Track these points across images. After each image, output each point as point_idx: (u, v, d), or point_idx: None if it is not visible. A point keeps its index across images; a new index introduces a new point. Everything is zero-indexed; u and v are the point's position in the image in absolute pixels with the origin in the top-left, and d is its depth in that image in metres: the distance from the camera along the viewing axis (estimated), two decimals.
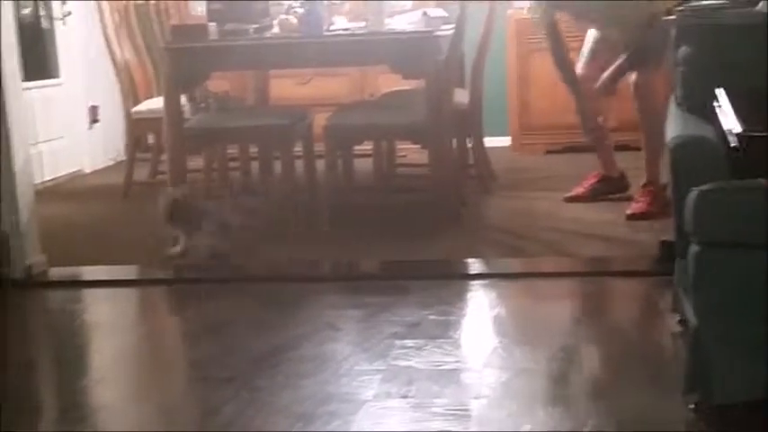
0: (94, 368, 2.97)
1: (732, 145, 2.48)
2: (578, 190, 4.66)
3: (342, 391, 2.52)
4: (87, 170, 6.23)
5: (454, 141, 4.75)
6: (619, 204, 4.39)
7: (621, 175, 4.66)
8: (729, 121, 2.55)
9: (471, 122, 4.94)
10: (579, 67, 4.58)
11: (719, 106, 2.66)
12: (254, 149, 5.33)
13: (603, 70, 4.44)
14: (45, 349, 3.21)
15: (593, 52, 4.54)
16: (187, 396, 2.69)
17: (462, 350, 2.85)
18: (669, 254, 2.84)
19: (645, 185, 4.35)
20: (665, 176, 4.26)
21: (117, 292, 3.66)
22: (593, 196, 4.60)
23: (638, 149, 4.54)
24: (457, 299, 3.35)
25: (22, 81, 3.80)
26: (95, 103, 6.32)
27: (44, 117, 5.75)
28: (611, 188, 4.63)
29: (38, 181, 5.32)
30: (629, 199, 4.42)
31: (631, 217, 4.26)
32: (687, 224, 2.31)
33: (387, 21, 4.53)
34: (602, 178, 4.66)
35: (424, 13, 4.64)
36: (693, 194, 2.29)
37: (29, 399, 2.69)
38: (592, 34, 4.57)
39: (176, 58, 4.29)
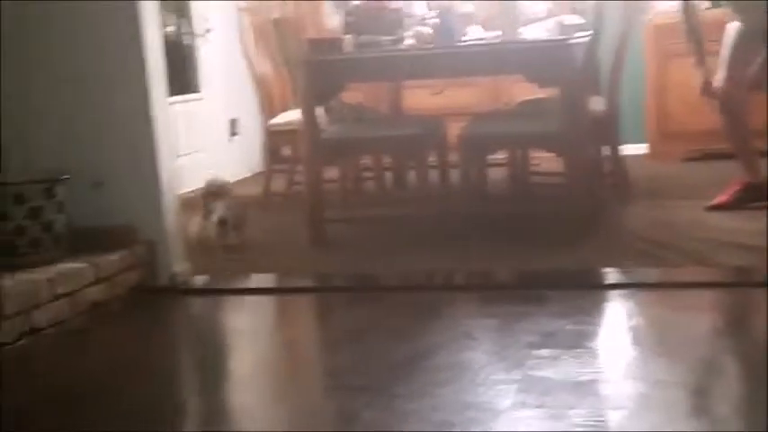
0: (234, 374, 3.06)
1: None
2: (721, 198, 4.53)
3: (478, 400, 2.52)
4: (228, 181, 6.40)
5: (590, 149, 4.70)
6: (762, 213, 4.25)
7: (767, 182, 4.52)
8: None
9: (608, 130, 4.87)
10: (721, 71, 4.47)
11: None
12: (388, 160, 5.41)
13: (746, 71, 4.34)
14: (188, 354, 3.33)
15: (734, 51, 4.42)
16: (325, 402, 2.74)
17: (599, 361, 2.81)
18: None
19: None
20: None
21: (257, 300, 3.76)
22: (737, 204, 4.47)
23: None
24: (594, 309, 3.31)
25: (168, 96, 3.94)
26: (235, 117, 6.51)
27: (186, 130, 5.96)
28: (755, 196, 4.49)
29: (180, 192, 5.52)
30: None
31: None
32: None
33: (521, 29, 4.52)
34: (746, 186, 4.53)
35: (559, 21, 4.61)
36: None
37: (173, 402, 2.79)
38: (729, 35, 4.45)
39: (312, 71, 4.38)
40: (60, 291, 3.40)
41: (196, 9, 6.28)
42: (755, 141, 4.61)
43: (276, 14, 5.50)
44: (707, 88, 4.52)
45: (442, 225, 4.45)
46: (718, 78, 4.50)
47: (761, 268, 3.57)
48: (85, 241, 3.69)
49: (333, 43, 4.60)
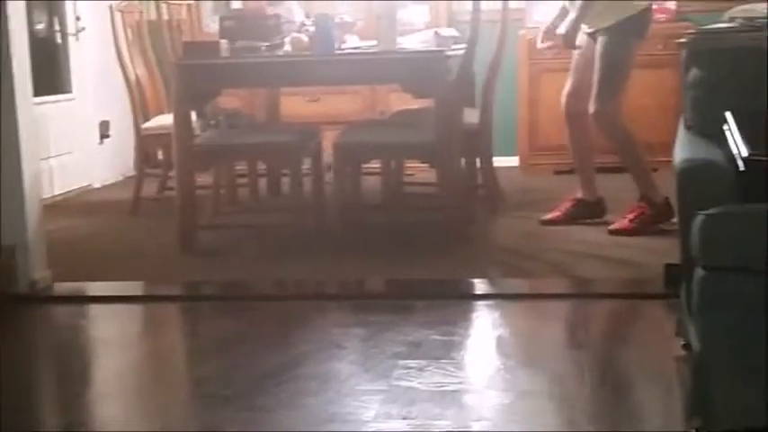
0: (97, 384, 2.96)
1: (740, 169, 2.46)
2: (555, 213, 4.61)
3: (343, 411, 2.51)
4: (97, 185, 6.25)
5: (463, 161, 4.75)
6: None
7: (599, 200, 4.59)
8: (737, 144, 2.54)
9: (481, 142, 4.93)
10: (566, 84, 4.53)
11: (728, 130, 2.65)
12: (262, 166, 5.36)
13: (588, 84, 4.34)
14: (48, 365, 3.21)
15: (577, 62, 4.50)
16: (189, 413, 2.68)
17: (465, 371, 2.83)
18: (674, 277, 2.82)
19: (638, 201, 4.36)
20: (659, 196, 4.27)
21: (123, 308, 3.66)
22: (569, 220, 4.54)
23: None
24: (461, 319, 3.34)
25: (35, 96, 3.80)
26: (106, 119, 6.35)
27: (56, 132, 5.78)
28: (587, 212, 4.57)
29: (48, 195, 5.36)
30: (606, 224, 4.41)
31: (612, 232, 4.31)
32: (693, 248, 2.29)
33: (398, 40, 4.53)
34: (578, 202, 4.60)
35: (436, 33, 4.65)
36: (700, 218, 2.27)
37: (31, 414, 2.69)
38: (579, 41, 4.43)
39: (187, 75, 4.30)
40: None
41: (69, 7, 6.10)
42: (593, 160, 4.59)
43: (152, 16, 5.39)
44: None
45: (315, 233, 4.43)
46: (563, 91, 4.53)
47: (622, 280, 3.67)
48: None
49: (209, 47, 4.52)
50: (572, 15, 4.36)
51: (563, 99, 4.51)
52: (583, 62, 4.44)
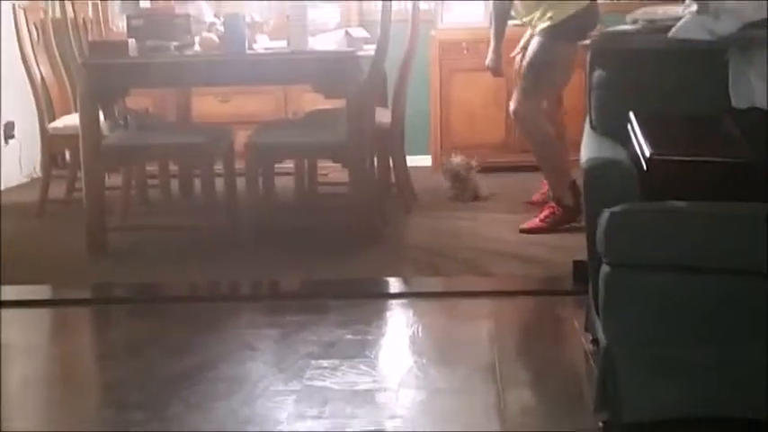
0: (3, 392, 2.90)
1: (643, 168, 2.53)
2: (534, 222, 4.44)
3: (256, 413, 2.51)
4: (1, 187, 6.10)
5: (376, 161, 4.77)
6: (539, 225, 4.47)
7: (577, 203, 4.29)
8: (641, 144, 2.61)
9: (393, 142, 4.96)
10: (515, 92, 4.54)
11: (632, 130, 2.72)
12: (174, 167, 5.30)
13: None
14: None
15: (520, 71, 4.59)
16: (99, 420, 2.64)
17: (378, 370, 2.85)
18: (582, 274, 2.88)
19: (548, 202, 4.46)
20: (569, 198, 4.35)
21: (31, 313, 3.59)
22: (551, 228, 4.38)
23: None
24: (375, 318, 3.36)
25: None
26: (11, 119, 6.20)
27: None
28: (566, 218, 4.40)
29: None
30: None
31: (523, 231, 4.38)
32: (598, 245, 2.35)
33: (310, 40, 4.53)
34: (555, 209, 4.43)
35: (347, 33, 4.66)
36: (604, 216, 2.33)
37: None
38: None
39: (94, 75, 4.24)
40: None
41: None
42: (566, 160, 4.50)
43: (57, 14, 5.29)
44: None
45: (228, 234, 4.39)
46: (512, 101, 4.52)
47: (532, 277, 3.74)
48: None
49: (116, 46, 4.45)
50: (492, 43, 4.52)
51: (511, 105, 4.47)
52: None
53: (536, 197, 4.85)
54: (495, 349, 2.98)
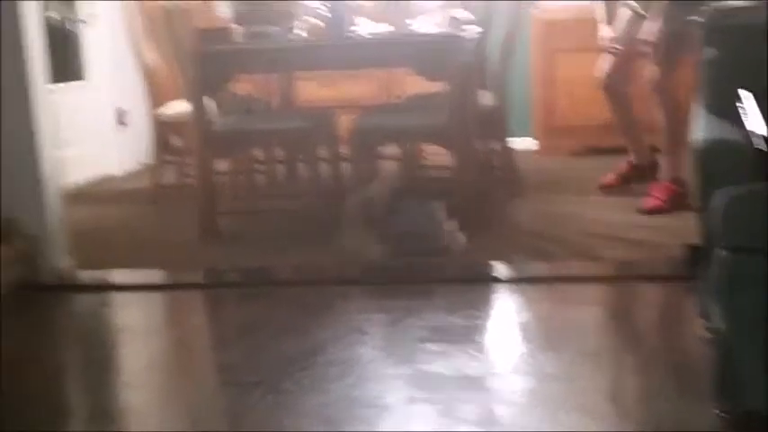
0: (123, 372, 2.99)
1: (756, 147, 2.46)
2: (609, 178, 4.83)
3: (367, 396, 2.53)
4: (116, 173, 6.27)
5: (479, 144, 4.75)
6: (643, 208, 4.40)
7: (653, 164, 4.76)
8: (754, 122, 2.54)
9: (496, 125, 4.93)
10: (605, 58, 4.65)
11: (745, 108, 2.64)
12: (280, 152, 5.37)
13: (629, 58, 4.57)
14: (73, 353, 3.24)
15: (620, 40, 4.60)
16: (214, 399, 2.70)
17: (488, 355, 2.84)
18: (695, 257, 2.82)
19: (663, 181, 4.41)
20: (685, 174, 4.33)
21: (146, 296, 3.68)
22: (623, 182, 4.77)
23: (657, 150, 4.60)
24: (482, 303, 3.35)
25: (49, 83, 3.80)
26: (122, 106, 6.36)
27: (72, 120, 5.79)
28: (639, 175, 4.77)
29: (67, 185, 5.38)
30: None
31: (644, 212, 4.35)
32: (714, 229, 2.29)
33: (409, 22, 4.53)
34: (633, 167, 4.80)
35: (449, 15, 4.64)
36: (723, 199, 2.27)
37: (58, 402, 2.72)
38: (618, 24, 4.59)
39: (201, 61, 4.31)
40: None
41: None
42: (638, 126, 4.79)
43: (165, 2, 5.39)
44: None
45: (332, 218, 4.43)
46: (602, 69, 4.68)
47: (644, 261, 3.67)
48: None
49: (223, 33, 4.53)
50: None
51: (601, 76, 4.66)
52: (626, 40, 4.57)
53: (609, 179, 4.84)
54: (607, 336, 2.95)
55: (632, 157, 4.82)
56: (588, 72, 5.20)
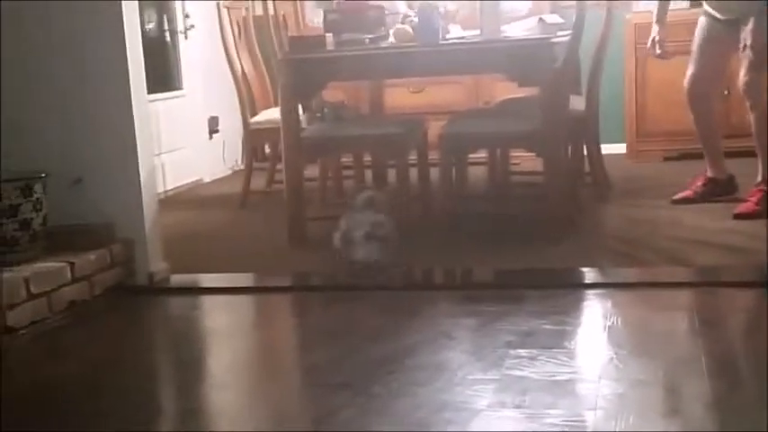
0: (213, 373, 3.04)
1: None
2: (686, 192, 4.71)
3: (456, 400, 2.52)
4: (207, 179, 6.40)
5: (570, 149, 4.71)
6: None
7: (730, 178, 4.69)
8: None
9: (587, 130, 4.89)
10: (689, 68, 4.55)
11: None
12: (368, 158, 5.40)
13: (714, 68, 4.51)
14: (166, 354, 3.32)
15: (699, 47, 4.50)
16: (303, 400, 2.73)
17: (577, 361, 2.81)
18: None
19: (757, 185, 4.33)
20: None
21: (235, 299, 3.75)
22: (700, 198, 4.65)
23: (752, 155, 4.49)
24: (572, 308, 3.32)
25: (147, 94, 3.91)
26: (215, 114, 6.49)
27: (167, 128, 5.93)
28: (718, 191, 4.67)
29: (161, 190, 5.52)
30: (738, 201, 4.41)
31: (738, 216, 4.29)
32: None
33: (503, 28, 4.52)
34: (708, 181, 4.70)
35: (540, 20, 4.61)
36: None
37: (150, 401, 2.78)
38: (698, 31, 4.53)
39: (293, 69, 4.37)
40: (37, 290, 3.37)
41: (178, 6, 6.25)
42: (720, 139, 4.72)
43: (258, 11, 5.49)
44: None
45: (422, 223, 4.45)
46: (687, 74, 4.62)
47: (734, 267, 3.60)
48: (63, 240, 3.67)
49: (314, 41, 4.58)
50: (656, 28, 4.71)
51: (686, 83, 4.61)
52: (708, 47, 4.53)
53: (683, 194, 4.72)
54: (697, 342, 2.89)
55: (708, 171, 4.71)
56: (680, 77, 5.11)
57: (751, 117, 4.40)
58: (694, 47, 4.58)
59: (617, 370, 2.68)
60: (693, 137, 5.02)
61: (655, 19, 4.77)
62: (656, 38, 4.72)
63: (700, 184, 4.70)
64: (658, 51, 4.74)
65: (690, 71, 4.60)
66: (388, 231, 3.87)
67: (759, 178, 4.40)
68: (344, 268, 3.84)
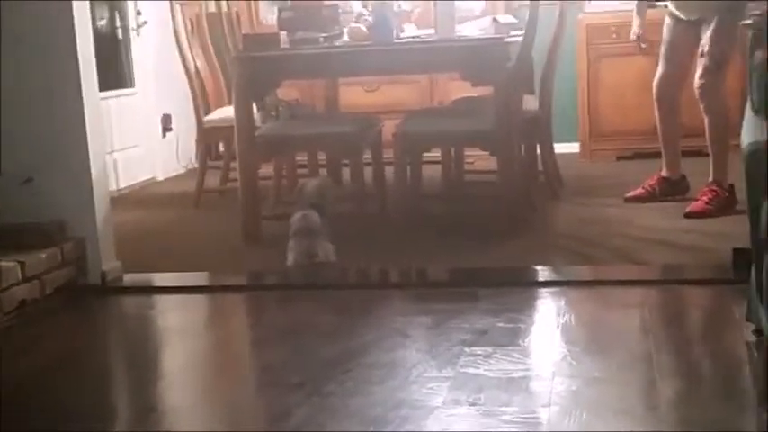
0: (167, 373, 3.02)
1: None
2: (638, 191, 4.75)
3: (412, 398, 2.53)
4: (161, 177, 6.35)
5: (523, 148, 4.74)
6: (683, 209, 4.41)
7: (682, 177, 4.74)
8: None
9: (540, 129, 4.92)
10: (660, 67, 4.62)
11: None
12: (322, 157, 5.39)
13: (683, 68, 4.56)
14: (119, 354, 3.29)
15: (670, 47, 4.55)
16: (257, 400, 2.72)
17: (531, 358, 2.83)
18: (742, 261, 2.79)
19: (708, 184, 4.39)
20: (731, 177, 4.30)
21: (189, 299, 3.72)
22: (653, 197, 4.68)
23: (703, 155, 4.56)
24: (525, 306, 3.34)
25: (99, 91, 3.87)
26: (168, 112, 6.44)
27: (119, 126, 5.88)
28: (671, 190, 4.71)
29: (113, 189, 5.47)
30: (689, 201, 4.49)
31: (689, 215, 4.34)
32: (763, 232, 2.27)
33: (457, 27, 4.53)
34: (662, 180, 4.74)
35: (494, 20, 4.64)
36: None
37: (104, 401, 2.75)
38: (666, 29, 4.58)
39: (247, 67, 4.35)
40: None
41: (129, 2, 6.19)
42: (680, 140, 4.73)
43: (211, 8, 5.45)
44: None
45: (376, 222, 4.45)
46: (657, 74, 4.66)
47: (687, 265, 3.65)
48: (14, 239, 3.62)
49: (268, 39, 4.57)
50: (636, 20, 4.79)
51: (655, 83, 4.64)
52: (674, 49, 4.57)
53: (635, 192, 4.77)
54: (651, 339, 2.92)
55: (663, 171, 4.75)
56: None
57: (705, 120, 4.44)
58: (663, 47, 4.62)
59: (570, 367, 2.71)
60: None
61: (635, 11, 4.83)
62: (638, 32, 4.79)
63: (653, 182, 4.74)
64: (643, 46, 4.80)
65: (660, 71, 4.62)
66: (313, 223, 3.86)
67: (710, 178, 4.45)
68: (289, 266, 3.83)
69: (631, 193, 4.76)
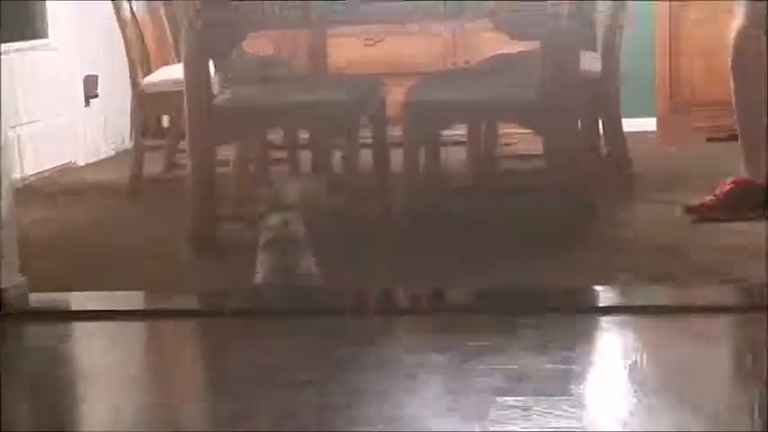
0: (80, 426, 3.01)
1: None
2: (708, 198, 4.59)
3: None
4: (81, 162, 6.37)
5: (580, 124, 4.74)
6: None
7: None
8: None
9: (604, 98, 4.93)
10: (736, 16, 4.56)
11: None
12: (305, 135, 5.40)
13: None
14: (19, 406, 3.26)
15: None
16: None
17: (588, 412, 2.83)
18: None
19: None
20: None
21: (118, 327, 3.71)
22: (727, 209, 4.52)
23: None
24: (580, 341, 3.34)
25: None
26: (93, 73, 6.45)
27: (26, 91, 5.88)
28: (752, 199, 4.54)
29: (18, 176, 5.47)
30: None
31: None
32: None
33: None
34: (739, 184, 4.59)
35: None
36: None
37: None
38: None
39: (203, 13, 4.34)
40: None
41: None
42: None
43: None
44: None
45: (377, 225, 4.45)
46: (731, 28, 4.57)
47: None
48: None
49: None
50: None
51: (731, 36, 4.52)
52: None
53: (703, 202, 4.64)
54: (752, 385, 2.92)
55: (743, 169, 4.62)
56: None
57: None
58: None
59: (642, 424, 2.70)
60: None
61: None
62: None
63: (728, 188, 4.57)
64: None
65: (736, 21, 4.57)
66: (293, 231, 3.87)
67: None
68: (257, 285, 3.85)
69: (697, 202, 4.60)
